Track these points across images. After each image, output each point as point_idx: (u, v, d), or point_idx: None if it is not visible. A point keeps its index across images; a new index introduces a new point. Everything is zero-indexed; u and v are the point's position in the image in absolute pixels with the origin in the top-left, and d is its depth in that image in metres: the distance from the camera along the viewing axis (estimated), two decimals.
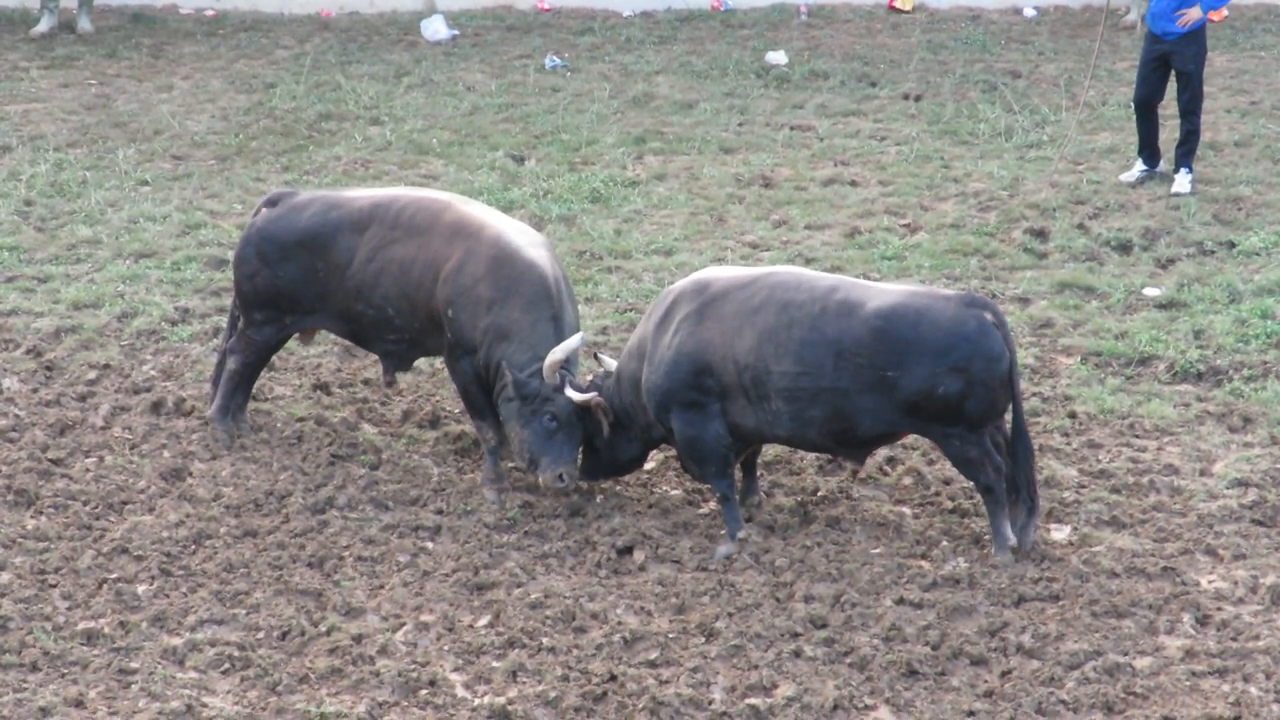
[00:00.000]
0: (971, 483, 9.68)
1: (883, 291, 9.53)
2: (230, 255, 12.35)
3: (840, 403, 9.42)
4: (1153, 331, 12.07)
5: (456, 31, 19.43)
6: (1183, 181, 14.41)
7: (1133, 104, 14.75)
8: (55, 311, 12.44)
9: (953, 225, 13.95)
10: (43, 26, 18.95)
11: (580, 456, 10.18)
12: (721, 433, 9.72)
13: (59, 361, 11.72)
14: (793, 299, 9.51)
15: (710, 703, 8.49)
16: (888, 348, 9.33)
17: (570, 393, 9.94)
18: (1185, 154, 14.47)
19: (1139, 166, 14.71)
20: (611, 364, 10.20)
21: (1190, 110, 14.37)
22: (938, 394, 9.32)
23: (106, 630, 9.00)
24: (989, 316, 9.39)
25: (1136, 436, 10.88)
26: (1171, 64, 14.32)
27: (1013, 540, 9.50)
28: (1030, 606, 9.18)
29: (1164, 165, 14.69)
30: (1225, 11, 18.86)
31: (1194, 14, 14.07)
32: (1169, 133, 14.88)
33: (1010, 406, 9.52)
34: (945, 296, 9.50)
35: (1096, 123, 16.30)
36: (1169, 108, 14.69)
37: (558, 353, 9.90)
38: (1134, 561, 9.50)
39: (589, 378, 10.26)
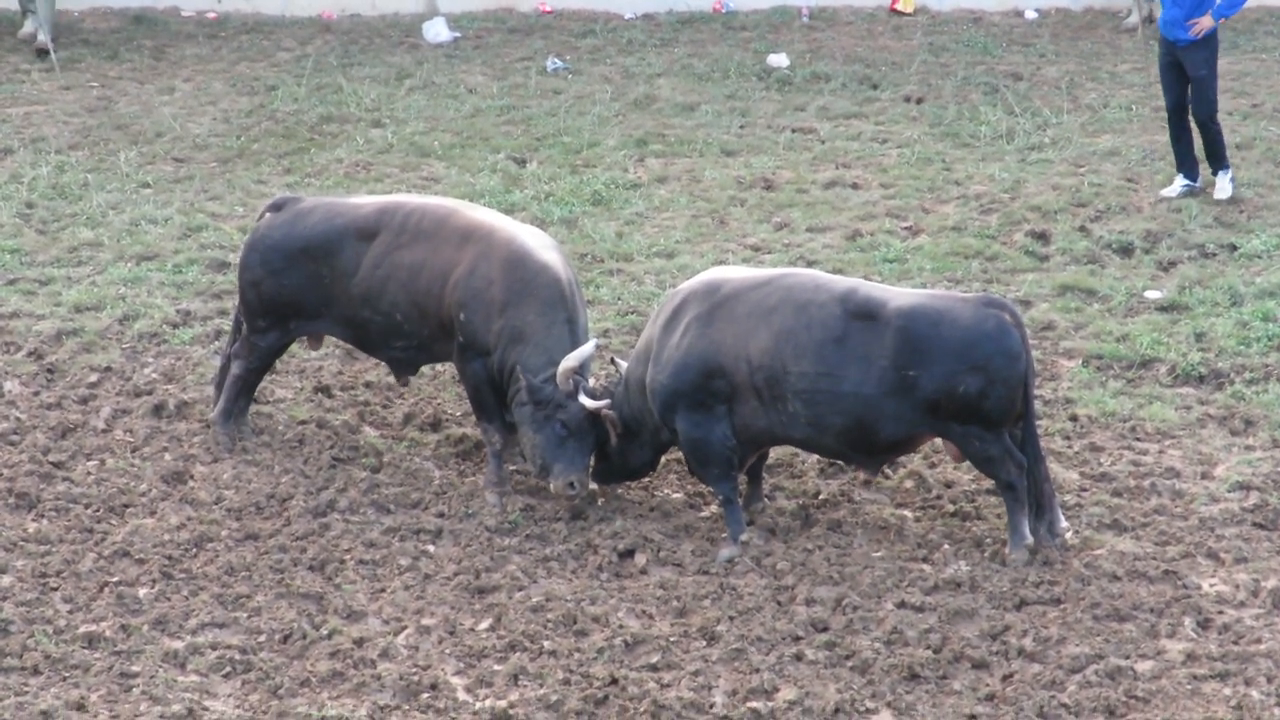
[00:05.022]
0: (992, 480, 9.68)
1: (901, 293, 9.62)
2: (232, 258, 12.35)
3: (861, 407, 9.44)
4: (1154, 334, 12.06)
5: (458, 34, 19.41)
6: (1224, 184, 14.20)
7: (1166, 114, 14.42)
8: (56, 314, 12.43)
9: (954, 228, 13.94)
10: (29, 28, 18.86)
11: (592, 463, 10.16)
12: (727, 435, 9.71)
13: (60, 364, 11.71)
14: (811, 299, 9.53)
15: (711, 706, 8.49)
16: (910, 347, 9.37)
17: (584, 399, 9.92)
18: (1216, 157, 14.25)
19: (1180, 182, 14.37)
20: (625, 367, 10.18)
21: (1206, 119, 14.16)
22: (958, 393, 9.35)
23: (108, 633, 9.01)
24: (1007, 317, 9.46)
25: (1138, 439, 10.87)
26: (1184, 69, 14.24)
27: (1029, 539, 9.52)
28: (1032, 610, 9.18)
29: (1202, 181, 14.52)
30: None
31: (1206, 22, 14.01)
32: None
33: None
34: (964, 298, 9.64)
35: (1098, 125, 16.28)
36: None
37: (571, 360, 9.85)
38: (1135, 565, 9.50)
39: (593, 381, 10.23)
